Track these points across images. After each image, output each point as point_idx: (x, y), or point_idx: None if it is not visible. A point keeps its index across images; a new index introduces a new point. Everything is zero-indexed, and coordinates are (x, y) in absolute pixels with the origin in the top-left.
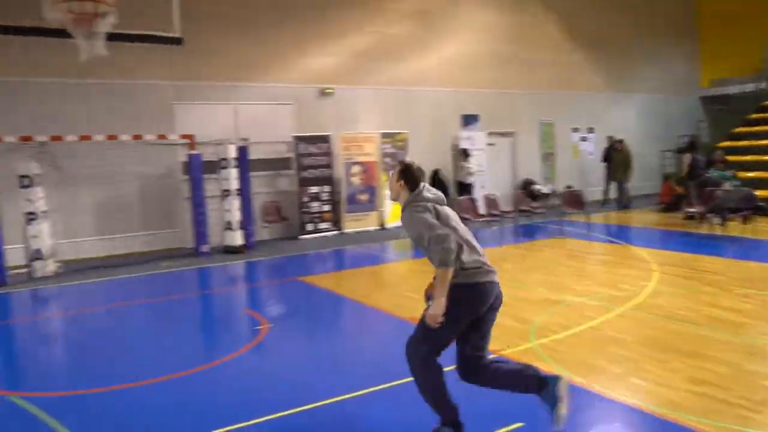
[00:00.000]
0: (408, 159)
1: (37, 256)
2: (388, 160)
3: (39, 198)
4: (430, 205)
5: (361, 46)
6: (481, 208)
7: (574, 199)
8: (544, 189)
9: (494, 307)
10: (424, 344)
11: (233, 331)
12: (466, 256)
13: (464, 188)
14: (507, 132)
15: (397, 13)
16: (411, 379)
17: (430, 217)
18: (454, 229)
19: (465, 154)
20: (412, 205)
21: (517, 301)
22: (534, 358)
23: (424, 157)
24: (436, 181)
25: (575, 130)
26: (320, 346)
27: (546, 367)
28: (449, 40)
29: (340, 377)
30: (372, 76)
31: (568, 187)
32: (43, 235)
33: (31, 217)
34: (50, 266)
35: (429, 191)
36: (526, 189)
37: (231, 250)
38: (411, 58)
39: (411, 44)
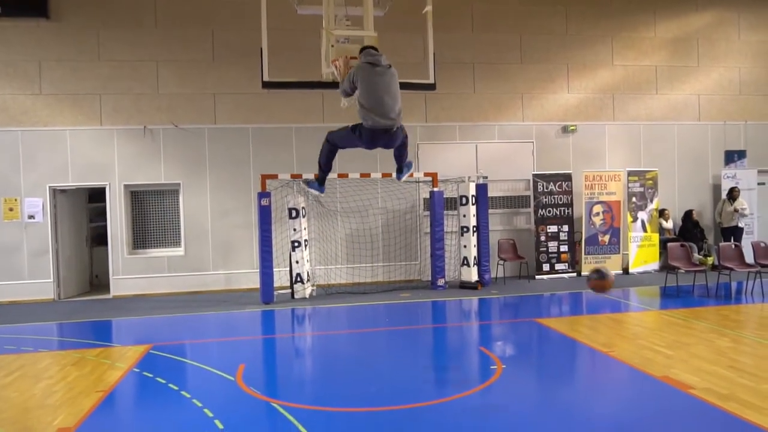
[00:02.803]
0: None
1: (298, 279)
2: (634, 199)
3: (303, 228)
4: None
5: (609, 80)
6: (748, 257)
7: None
8: None
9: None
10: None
11: (468, 369)
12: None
13: (730, 233)
14: None
15: (651, 43)
16: None
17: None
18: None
19: (732, 194)
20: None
21: None
22: None
23: (677, 197)
24: (690, 223)
25: None
26: (556, 395)
27: None
28: (711, 68)
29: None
30: (619, 112)
31: None
32: (304, 261)
33: (295, 244)
34: (308, 289)
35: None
36: None
37: (466, 286)
38: (663, 90)
39: (665, 75)
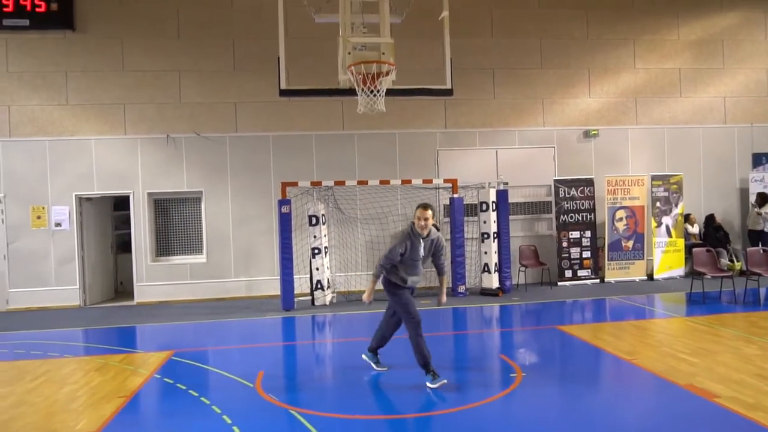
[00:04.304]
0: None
1: (318, 286)
2: (659, 204)
3: (323, 235)
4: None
5: (631, 84)
6: None
7: None
8: None
9: None
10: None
11: (488, 376)
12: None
13: (756, 237)
14: None
15: (674, 46)
16: None
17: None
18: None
19: (762, 198)
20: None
21: None
22: None
23: (703, 201)
24: (712, 228)
25: None
26: (577, 403)
27: None
28: (737, 69)
29: None
30: (642, 115)
31: None
32: (324, 267)
33: (315, 251)
34: (328, 296)
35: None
36: None
37: (487, 293)
38: (688, 93)
39: (689, 78)
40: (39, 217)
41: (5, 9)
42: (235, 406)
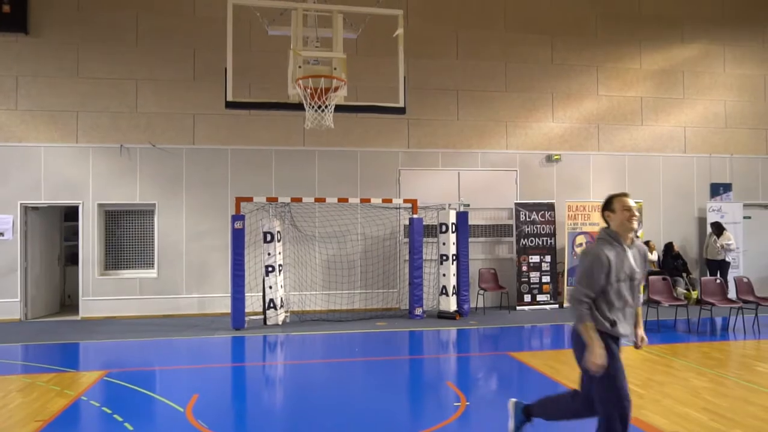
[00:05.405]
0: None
1: (271, 305)
2: None
3: (278, 252)
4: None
5: (593, 110)
6: (731, 293)
7: None
8: None
9: None
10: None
11: (432, 405)
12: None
13: (716, 267)
14: None
15: (636, 75)
16: None
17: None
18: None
19: (718, 228)
20: None
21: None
22: None
23: (661, 229)
24: (671, 256)
25: None
26: None
27: None
28: (697, 100)
29: None
30: (604, 142)
31: None
32: (278, 286)
33: (269, 269)
34: (281, 315)
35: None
36: None
37: (444, 316)
38: (649, 122)
39: (650, 107)
40: None
41: None
42: None
